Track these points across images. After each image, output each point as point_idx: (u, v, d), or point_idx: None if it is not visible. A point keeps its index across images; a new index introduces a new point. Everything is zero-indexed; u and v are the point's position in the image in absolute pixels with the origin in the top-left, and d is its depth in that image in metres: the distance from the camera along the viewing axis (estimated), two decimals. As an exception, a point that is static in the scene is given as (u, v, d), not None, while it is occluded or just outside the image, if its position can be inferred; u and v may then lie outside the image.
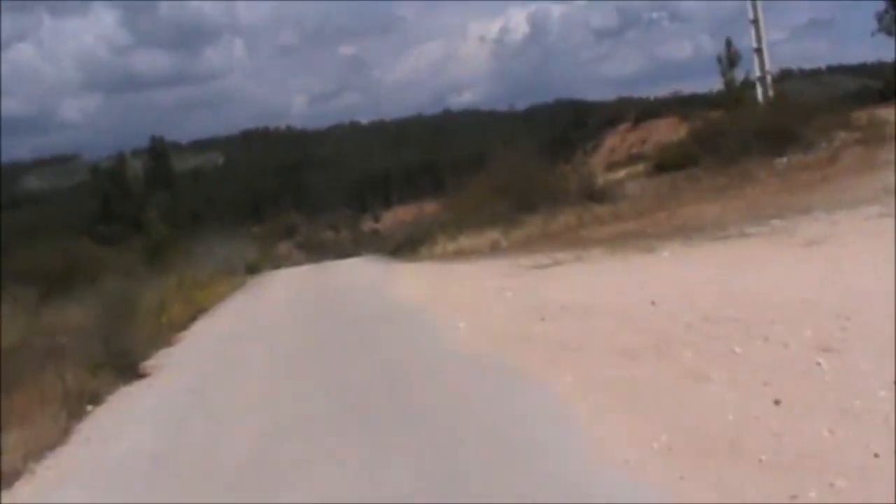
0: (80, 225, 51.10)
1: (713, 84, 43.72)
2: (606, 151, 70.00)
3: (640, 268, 13.51)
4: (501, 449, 6.03)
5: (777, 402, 5.69)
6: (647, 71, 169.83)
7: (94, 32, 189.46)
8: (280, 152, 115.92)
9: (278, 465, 6.51)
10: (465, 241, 25.48)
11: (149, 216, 44.90)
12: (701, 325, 8.37)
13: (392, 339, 11.52)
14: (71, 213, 66.58)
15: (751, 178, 21.57)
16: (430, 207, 44.16)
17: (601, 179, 31.83)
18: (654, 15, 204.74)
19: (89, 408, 9.69)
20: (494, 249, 22.91)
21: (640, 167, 38.13)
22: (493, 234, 24.41)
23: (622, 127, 76.04)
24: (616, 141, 73.38)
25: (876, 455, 4.58)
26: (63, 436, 8.45)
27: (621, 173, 39.15)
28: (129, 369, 11.33)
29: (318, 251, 54.62)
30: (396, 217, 72.21)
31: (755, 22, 30.35)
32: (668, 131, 55.99)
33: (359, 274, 26.65)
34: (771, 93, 30.56)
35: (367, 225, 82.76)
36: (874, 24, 39.72)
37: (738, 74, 36.21)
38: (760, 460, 4.88)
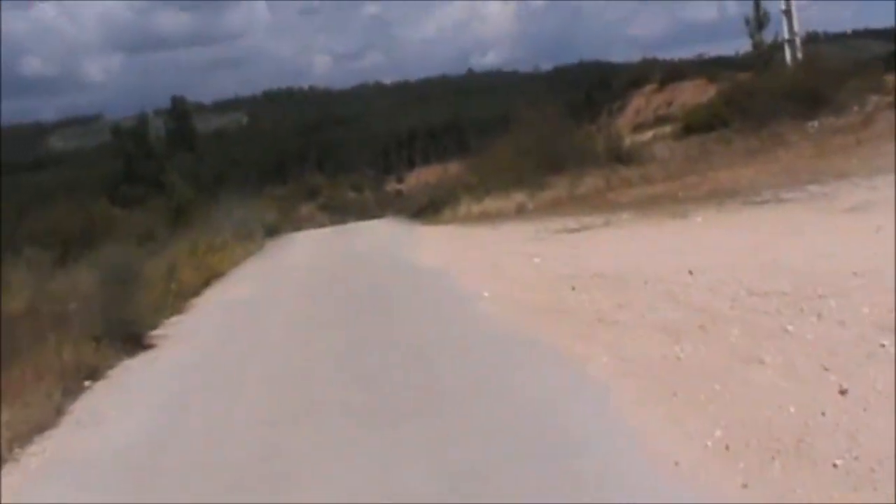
0: (103, 186, 50.63)
1: (738, 47, 42.90)
2: (632, 113, 68.57)
3: (673, 234, 12.89)
4: (530, 443, 5.34)
5: (843, 392, 4.97)
6: (673, 33, 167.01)
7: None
8: (303, 113, 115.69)
9: (285, 460, 5.84)
10: (490, 203, 25.03)
11: (170, 177, 44.40)
12: (746, 298, 7.63)
13: (412, 310, 10.84)
14: (94, 173, 66.13)
15: (783, 142, 21.07)
16: (454, 169, 43.61)
17: (628, 141, 31.16)
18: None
19: (87, 383, 9.01)
20: (520, 212, 22.44)
21: (668, 129, 37.63)
22: (518, 197, 23.90)
23: (648, 88, 74.37)
24: (641, 102, 71.85)
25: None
26: (55, 416, 7.73)
27: (648, 135, 38.50)
28: (132, 340, 10.65)
29: (340, 212, 53.87)
30: (420, 178, 71.38)
31: (784, -18, 29.53)
32: (695, 93, 54.97)
33: (380, 237, 26.06)
34: (800, 55, 29.74)
35: (391, 186, 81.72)
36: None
37: (766, 37, 35.18)
38: (835, 465, 4.18)
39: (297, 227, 42.71)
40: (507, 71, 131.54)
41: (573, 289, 9.82)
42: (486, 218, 22.97)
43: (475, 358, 7.75)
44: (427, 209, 30.47)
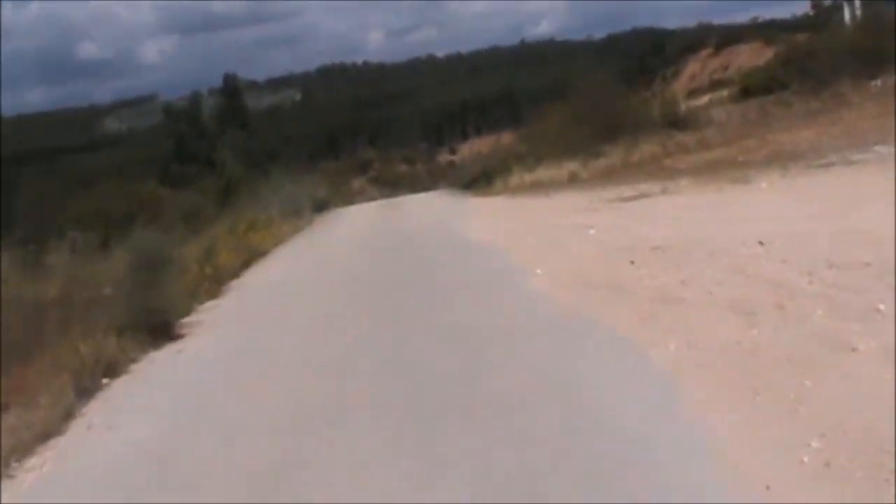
0: (155, 166, 50.60)
1: (793, 9, 41.95)
2: (686, 78, 67.58)
3: (736, 201, 12.15)
4: (586, 456, 4.49)
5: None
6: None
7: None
8: (357, 88, 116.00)
9: (310, 472, 5.02)
10: (542, 172, 24.77)
11: (221, 155, 44.03)
12: (825, 271, 6.84)
13: (461, 290, 9.95)
14: (148, 154, 66.41)
15: (845, 102, 20.62)
16: (506, 139, 43.09)
17: (683, 106, 30.48)
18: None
19: (105, 381, 8.31)
20: (573, 181, 22.07)
21: (724, 93, 37.16)
22: (571, 165, 23.65)
23: (703, 53, 73.26)
24: (696, 67, 70.74)
25: None
26: (64, 420, 7.01)
27: (704, 99, 37.88)
28: (159, 330, 9.94)
29: (391, 186, 53.55)
30: (473, 149, 71.11)
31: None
32: (751, 56, 54.24)
33: (430, 210, 25.43)
34: (859, 14, 28.68)
35: (444, 158, 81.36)
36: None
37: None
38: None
39: (349, 201, 42.34)
40: (560, 40, 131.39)
41: (632, 263, 9.13)
42: (538, 188, 22.45)
43: (528, 346, 6.88)
44: (479, 180, 30.10)
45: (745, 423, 4.44)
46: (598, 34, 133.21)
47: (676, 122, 25.43)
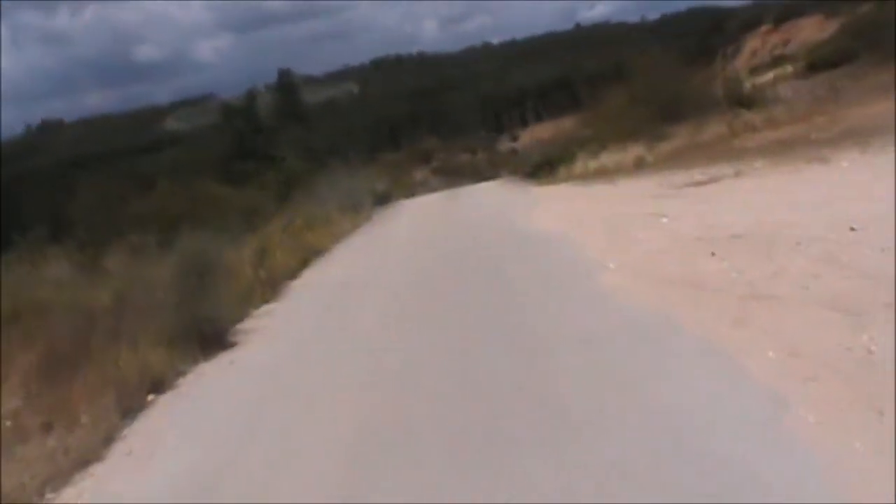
0: (217, 164, 50.58)
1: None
2: (747, 55, 65.97)
3: (817, 182, 11.28)
4: (690, 489, 3.85)
5: None
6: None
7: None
8: (413, 78, 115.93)
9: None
10: (606, 158, 24.16)
11: (279, 151, 43.88)
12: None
13: (529, 290, 9.19)
14: (208, 152, 66.64)
15: None
16: (567, 124, 42.33)
17: (748, 84, 29.41)
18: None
19: (150, 397, 7.81)
20: (639, 166, 21.31)
21: (789, 69, 35.95)
22: (636, 149, 22.95)
23: (762, 29, 71.45)
24: (757, 43, 69.04)
25: None
26: (105, 444, 6.52)
27: (769, 76, 36.66)
28: (211, 338, 9.40)
29: (454, 175, 52.79)
30: (534, 135, 70.17)
31: None
32: (813, 30, 52.75)
33: (492, 201, 24.67)
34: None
35: (505, 145, 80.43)
36: None
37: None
38: None
39: (410, 193, 41.78)
40: (615, 23, 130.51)
41: (712, 254, 8.39)
42: (603, 174, 21.79)
43: (606, 357, 6.11)
44: (542, 168, 29.48)
45: (872, 456, 3.75)
46: (652, 15, 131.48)
47: (742, 100, 24.48)
